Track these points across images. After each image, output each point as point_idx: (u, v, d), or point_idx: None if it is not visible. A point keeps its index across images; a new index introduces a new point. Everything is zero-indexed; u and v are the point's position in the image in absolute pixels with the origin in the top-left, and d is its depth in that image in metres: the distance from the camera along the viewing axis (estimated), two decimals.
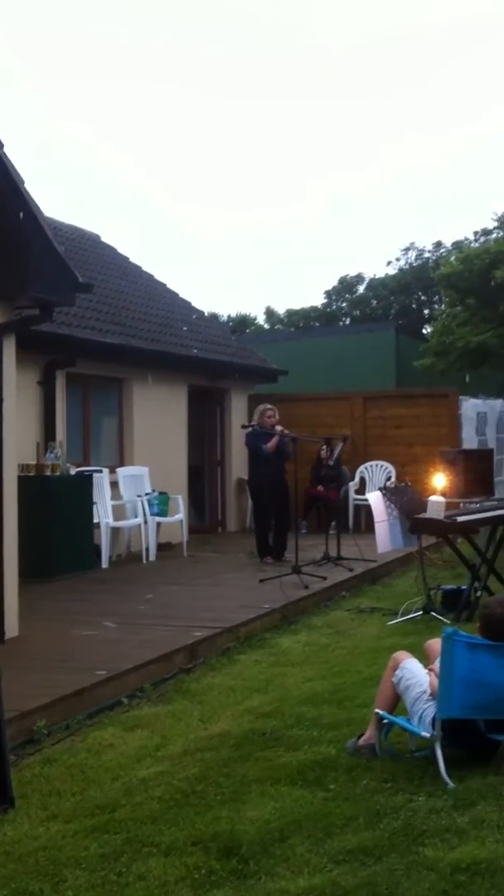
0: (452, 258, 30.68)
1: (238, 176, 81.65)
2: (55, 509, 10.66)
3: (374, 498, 9.21)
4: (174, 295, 17.75)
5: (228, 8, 73.51)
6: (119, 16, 74.84)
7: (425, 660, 5.23)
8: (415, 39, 72.72)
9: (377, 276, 48.19)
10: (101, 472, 12.00)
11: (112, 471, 12.52)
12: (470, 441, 15.86)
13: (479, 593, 8.66)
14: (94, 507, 11.50)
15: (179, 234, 74.50)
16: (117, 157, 78.34)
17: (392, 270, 47.36)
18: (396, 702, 5.07)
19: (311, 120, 77.96)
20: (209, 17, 71.88)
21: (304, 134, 78.68)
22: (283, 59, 74.92)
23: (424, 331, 38.08)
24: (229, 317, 50.41)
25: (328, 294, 49.85)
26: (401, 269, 46.83)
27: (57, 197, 64.24)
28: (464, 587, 8.78)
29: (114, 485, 12.32)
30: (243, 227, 78.56)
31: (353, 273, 49.67)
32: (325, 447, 13.64)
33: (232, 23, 73.96)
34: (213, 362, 15.58)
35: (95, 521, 11.54)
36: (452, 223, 69.95)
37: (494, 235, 31.61)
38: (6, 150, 7.49)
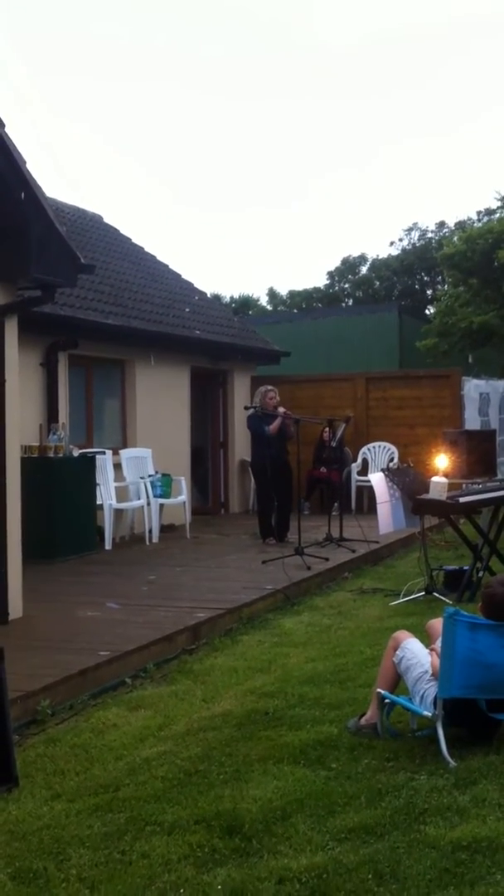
0: (455, 238, 30.58)
1: (238, 176, 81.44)
2: (58, 491, 10.68)
3: (377, 479, 9.22)
4: (177, 276, 17.70)
5: (228, 8, 73.13)
6: (119, 16, 74.46)
7: (427, 640, 5.25)
8: (415, 39, 72.41)
9: (380, 257, 48.04)
10: (103, 453, 12.01)
11: (115, 452, 12.54)
12: (472, 422, 15.83)
13: (480, 574, 8.67)
14: (97, 488, 11.52)
15: (180, 229, 74.47)
16: (117, 158, 78.18)
17: (395, 251, 47.21)
18: (397, 681, 5.09)
19: (311, 120, 77.69)
20: (209, 17, 71.52)
21: (303, 134, 78.45)
22: (283, 59, 74.61)
23: (427, 311, 37.98)
24: (232, 298, 50.32)
25: (331, 275, 49.72)
26: (404, 250, 46.67)
27: (59, 190, 64.09)
28: (466, 567, 8.80)
29: (117, 466, 12.33)
30: (245, 222, 78.54)
31: (355, 254, 49.50)
32: (327, 429, 13.65)
33: (232, 23, 73.59)
34: (215, 344, 15.56)
35: (98, 502, 11.56)
36: (455, 202, 69.80)
37: (498, 215, 31.48)
38: (7, 130, 7.46)
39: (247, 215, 79.68)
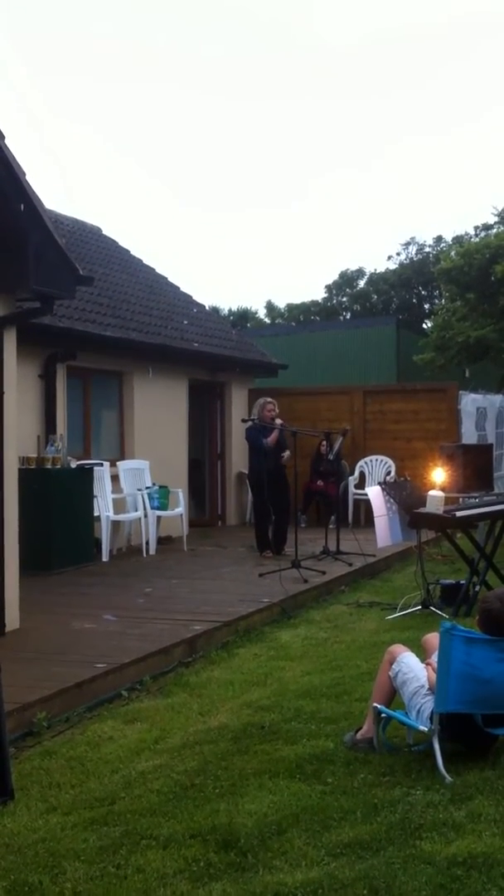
0: (453, 253, 30.64)
1: (238, 176, 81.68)
2: (56, 502, 10.68)
3: (374, 492, 9.23)
4: (175, 288, 17.74)
5: (228, 8, 73.51)
6: (119, 16, 74.79)
7: (423, 654, 5.25)
8: (415, 39, 72.78)
9: (378, 271, 48.21)
10: (101, 465, 12.01)
11: (112, 464, 12.54)
12: (469, 436, 15.85)
13: (477, 588, 8.67)
14: (95, 500, 11.52)
15: (180, 232, 74.60)
16: (118, 158, 78.36)
17: (393, 265, 47.39)
18: (393, 695, 5.09)
19: (311, 120, 77.99)
20: (209, 17, 71.86)
21: (304, 134, 78.76)
22: (284, 59, 74.97)
23: (424, 325, 38.07)
24: (230, 310, 50.44)
25: (329, 288, 49.87)
26: (401, 264, 46.84)
27: (58, 197, 64.27)
28: (462, 582, 8.80)
29: (114, 478, 12.33)
30: (243, 226, 78.68)
31: (353, 267, 49.71)
32: (324, 441, 13.66)
33: (232, 23, 73.96)
34: (213, 356, 15.59)
35: (96, 514, 11.56)
36: (453, 218, 70.04)
37: (495, 230, 31.60)
38: (7, 142, 7.49)
39: (246, 216, 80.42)
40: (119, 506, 12.34)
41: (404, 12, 72.80)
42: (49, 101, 76.82)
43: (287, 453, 11.88)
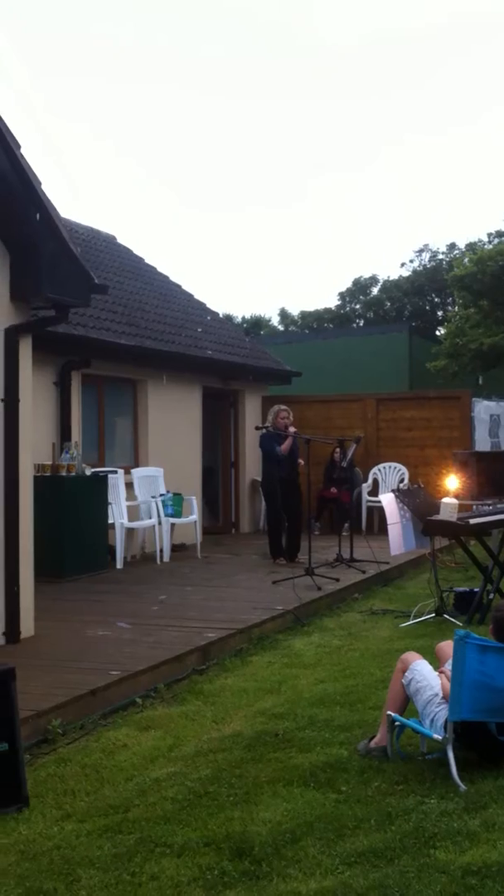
0: (466, 260, 30.64)
1: (238, 176, 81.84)
2: (70, 509, 10.72)
3: (387, 500, 9.23)
4: (189, 296, 17.79)
5: (228, 8, 73.76)
6: (119, 16, 75.13)
7: (436, 662, 5.24)
8: (415, 39, 72.89)
9: (391, 278, 48.23)
10: (115, 472, 12.04)
11: (127, 471, 12.57)
12: (483, 443, 15.86)
13: (491, 595, 8.65)
14: (109, 507, 11.55)
15: (181, 233, 74.75)
16: (118, 158, 78.55)
17: (406, 272, 47.40)
18: (406, 703, 5.08)
19: (310, 120, 78.15)
20: (209, 17, 72.10)
21: (303, 134, 78.93)
22: (283, 59, 75.15)
23: (438, 332, 38.03)
24: (244, 318, 50.55)
25: (342, 296, 49.89)
26: (414, 271, 46.83)
27: (58, 197, 64.46)
28: (476, 589, 8.78)
29: (128, 485, 12.37)
30: (250, 230, 78.82)
31: (366, 275, 49.72)
32: (337, 449, 13.66)
33: (232, 23, 74.20)
34: (227, 364, 15.61)
35: (110, 521, 11.59)
36: (467, 224, 70.05)
37: None
38: (23, 151, 7.55)
39: (248, 218, 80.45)
40: (133, 513, 12.37)
41: (404, 12, 73.01)
42: (48, 100, 77.26)
43: (302, 462, 11.89)
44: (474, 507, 9.56)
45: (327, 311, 49.77)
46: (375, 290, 49.20)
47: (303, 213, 78.99)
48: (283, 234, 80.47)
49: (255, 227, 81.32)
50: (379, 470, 15.63)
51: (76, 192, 70.74)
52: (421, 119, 79.44)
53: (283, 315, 52.50)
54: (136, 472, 12.79)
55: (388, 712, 5.01)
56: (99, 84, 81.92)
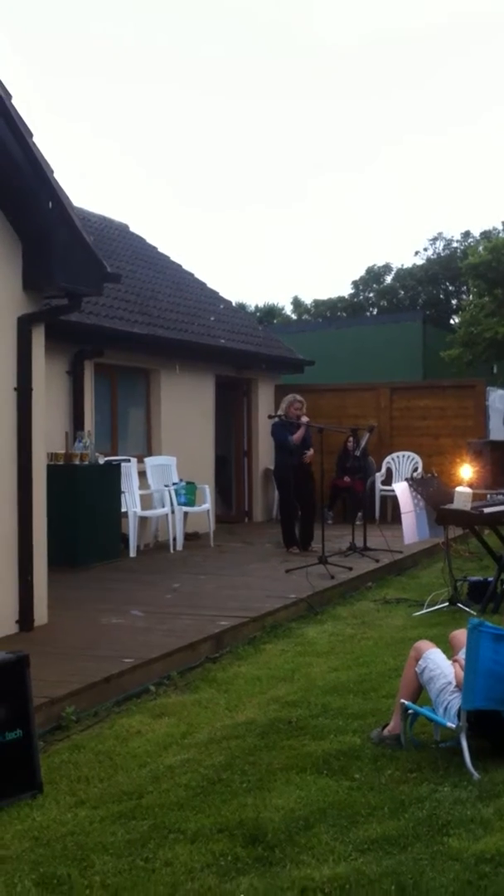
0: (480, 248, 30.51)
1: (238, 175, 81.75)
2: (83, 498, 10.74)
3: (401, 489, 9.21)
4: (202, 285, 17.76)
5: (228, 8, 73.54)
6: (119, 16, 75.02)
7: (450, 651, 5.24)
8: (415, 39, 72.56)
9: (405, 266, 48.02)
10: (128, 461, 12.05)
11: (140, 460, 12.58)
12: (497, 432, 15.77)
13: None
14: (122, 496, 11.56)
15: (181, 233, 74.79)
16: (118, 158, 78.57)
17: (420, 260, 47.20)
18: (420, 692, 5.08)
19: (311, 120, 78.01)
20: (209, 17, 71.91)
21: (303, 134, 78.79)
22: (283, 59, 74.95)
23: (452, 321, 37.92)
24: (256, 307, 50.45)
25: (355, 284, 49.73)
26: (428, 259, 46.65)
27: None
28: (490, 579, 8.77)
29: (141, 474, 12.38)
30: (244, 226, 78.79)
31: (380, 263, 49.54)
32: (351, 438, 13.64)
33: (232, 23, 74.00)
34: (240, 352, 15.59)
35: (123, 510, 11.61)
36: (481, 212, 69.77)
37: None
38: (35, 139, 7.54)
39: (250, 214, 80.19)
40: (146, 502, 12.38)
41: (404, 12, 72.73)
42: (48, 100, 77.20)
43: (310, 451, 11.87)
44: (488, 496, 9.55)
45: (340, 299, 49.63)
46: (389, 279, 49.04)
47: (303, 212, 78.94)
48: (284, 235, 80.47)
49: (255, 227, 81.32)
50: (392, 459, 15.60)
51: (77, 192, 70.71)
52: (421, 119, 79.25)
53: (296, 303, 52.38)
54: (149, 461, 12.80)
55: (402, 700, 5.01)
56: (100, 84, 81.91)
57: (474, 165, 77.82)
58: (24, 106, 7.13)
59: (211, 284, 18.04)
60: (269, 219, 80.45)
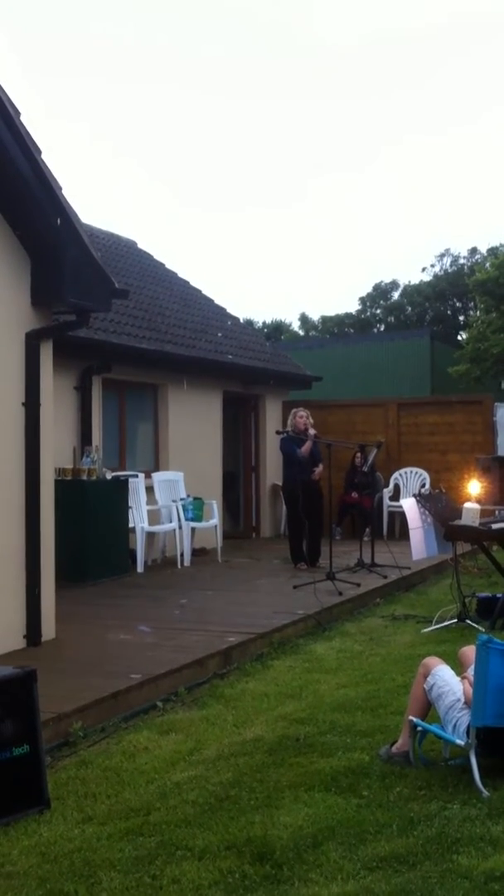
0: (488, 264, 30.56)
1: (238, 176, 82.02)
2: (91, 513, 10.73)
3: (409, 505, 9.19)
4: (209, 301, 17.81)
5: (228, 8, 74.00)
6: (119, 16, 75.46)
7: (458, 667, 5.21)
8: (415, 39, 72.94)
9: (412, 283, 48.12)
10: (136, 476, 12.06)
11: (147, 476, 12.59)
12: None
13: None
14: (130, 511, 11.56)
15: (181, 233, 74.98)
16: (117, 158, 78.80)
17: (427, 277, 47.29)
18: (428, 709, 5.06)
19: (311, 120, 78.30)
20: (209, 17, 72.34)
21: (303, 134, 79.13)
22: (283, 59, 75.35)
23: (459, 337, 37.93)
24: (264, 323, 50.58)
25: (363, 300, 49.86)
26: (436, 276, 46.74)
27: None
28: (499, 595, 8.72)
29: (149, 489, 12.38)
30: (244, 226, 78.90)
31: (387, 279, 49.68)
32: (359, 454, 13.63)
33: (232, 23, 74.44)
34: (247, 368, 15.62)
35: (131, 525, 11.61)
36: (488, 229, 69.88)
37: None
38: (43, 156, 7.58)
39: (247, 215, 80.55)
40: (154, 517, 12.38)
41: (404, 12, 73.11)
42: (47, 100, 77.63)
43: (319, 468, 11.86)
44: (497, 512, 9.51)
45: (348, 315, 49.75)
46: (396, 295, 49.15)
47: (303, 213, 79.18)
48: (285, 236, 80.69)
49: (255, 227, 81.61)
50: (400, 475, 15.58)
51: (75, 193, 70.85)
52: (421, 119, 79.63)
53: (304, 320, 52.52)
54: (157, 476, 12.80)
55: (410, 717, 4.99)
56: (99, 84, 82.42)
57: (474, 166, 78.09)
58: (24, 107, 7.15)
59: (218, 301, 18.11)
60: (269, 219, 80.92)
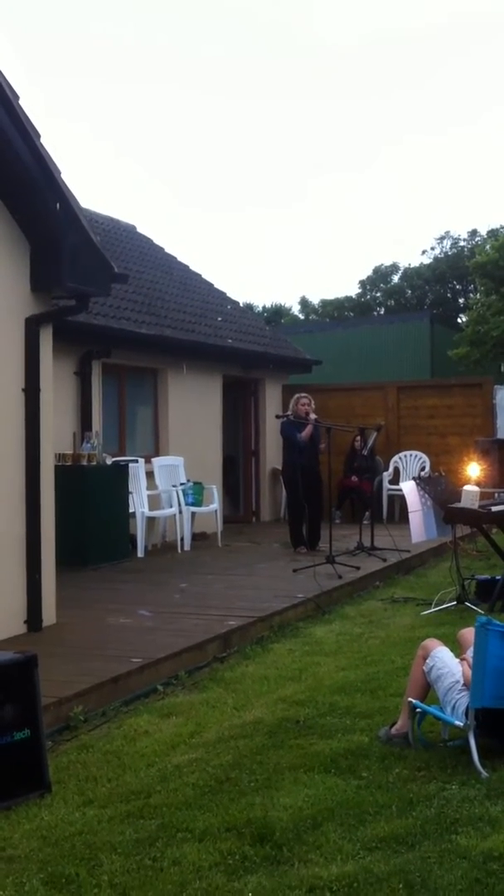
0: (488, 247, 30.48)
1: (238, 176, 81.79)
2: (91, 499, 10.75)
3: (409, 488, 9.21)
4: (209, 285, 17.77)
5: (228, 8, 73.65)
6: (119, 16, 75.12)
7: (458, 649, 5.23)
8: (415, 39, 72.62)
9: (412, 266, 48.01)
10: (136, 461, 12.07)
11: (147, 460, 12.60)
12: None
13: None
14: (130, 496, 11.58)
15: (181, 233, 74.94)
16: (117, 158, 78.60)
17: (427, 260, 47.18)
18: (427, 690, 5.08)
19: (311, 120, 78.05)
20: (209, 17, 71.99)
21: (303, 134, 78.92)
22: (283, 59, 75.06)
23: (459, 320, 37.87)
24: (264, 307, 50.49)
25: (363, 284, 49.74)
26: (436, 259, 46.62)
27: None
28: (498, 577, 8.75)
29: (149, 474, 12.39)
30: (244, 226, 78.78)
31: (387, 263, 49.53)
32: (358, 437, 13.64)
33: (232, 23, 74.10)
34: (247, 353, 15.60)
35: (131, 510, 11.62)
36: (488, 211, 69.70)
37: None
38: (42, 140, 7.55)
39: (247, 215, 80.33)
40: (154, 502, 12.40)
41: (404, 12, 72.77)
42: (47, 100, 77.35)
43: (323, 445, 11.84)
44: (496, 494, 9.53)
45: (348, 299, 49.63)
46: (396, 278, 49.03)
47: (303, 213, 78.98)
48: (286, 235, 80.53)
49: (256, 227, 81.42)
50: (400, 458, 15.59)
51: (75, 193, 70.65)
52: (421, 119, 79.33)
53: (304, 303, 52.41)
54: (157, 462, 12.81)
55: (409, 699, 5.01)
56: (99, 84, 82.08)
57: (474, 165, 77.92)
58: (29, 106, 7.14)
59: (218, 285, 18.07)
60: (269, 219, 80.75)
